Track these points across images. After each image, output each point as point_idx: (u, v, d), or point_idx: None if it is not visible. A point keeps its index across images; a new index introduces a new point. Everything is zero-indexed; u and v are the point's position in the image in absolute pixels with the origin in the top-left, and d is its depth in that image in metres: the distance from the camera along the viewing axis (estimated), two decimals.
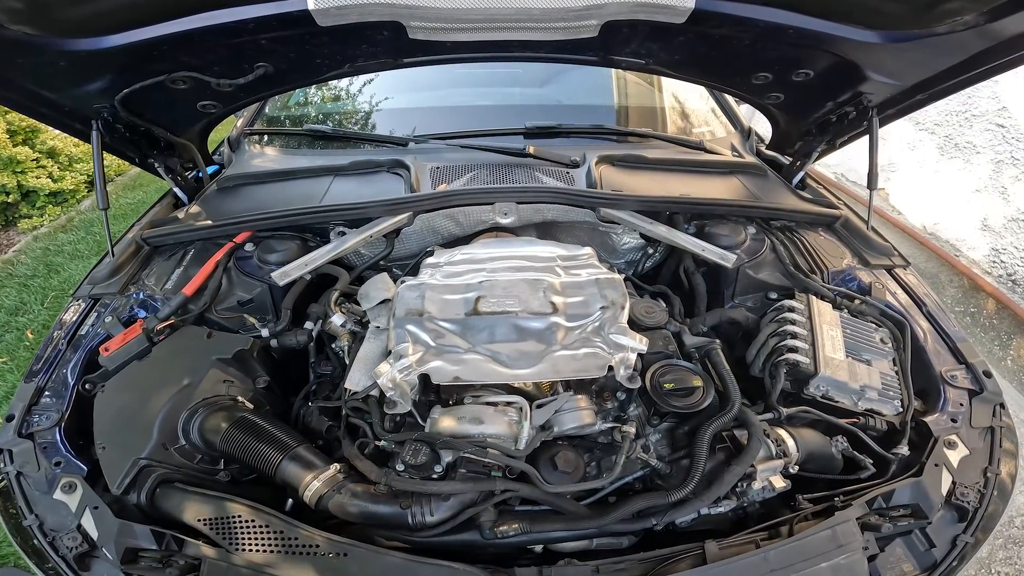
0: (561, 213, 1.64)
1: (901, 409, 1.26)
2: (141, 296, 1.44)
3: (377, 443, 1.14)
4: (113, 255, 1.52)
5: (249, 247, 1.56)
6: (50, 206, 4.47)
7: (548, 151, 1.79)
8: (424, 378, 1.11)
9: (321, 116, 2.33)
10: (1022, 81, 3.13)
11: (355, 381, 1.15)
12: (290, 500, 1.17)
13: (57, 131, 4.79)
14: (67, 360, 1.29)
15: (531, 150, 1.77)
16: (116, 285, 1.46)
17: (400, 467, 1.07)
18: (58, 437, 1.14)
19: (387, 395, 1.10)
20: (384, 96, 2.27)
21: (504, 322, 1.19)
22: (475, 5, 1.20)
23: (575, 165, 1.77)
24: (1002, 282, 3.36)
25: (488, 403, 1.15)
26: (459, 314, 1.21)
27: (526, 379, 1.12)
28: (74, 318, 1.40)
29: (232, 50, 1.33)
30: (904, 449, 1.19)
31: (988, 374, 1.30)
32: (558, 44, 1.38)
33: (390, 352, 1.15)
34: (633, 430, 1.15)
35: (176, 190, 1.85)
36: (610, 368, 1.13)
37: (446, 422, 1.12)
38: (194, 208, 1.73)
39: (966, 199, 3.58)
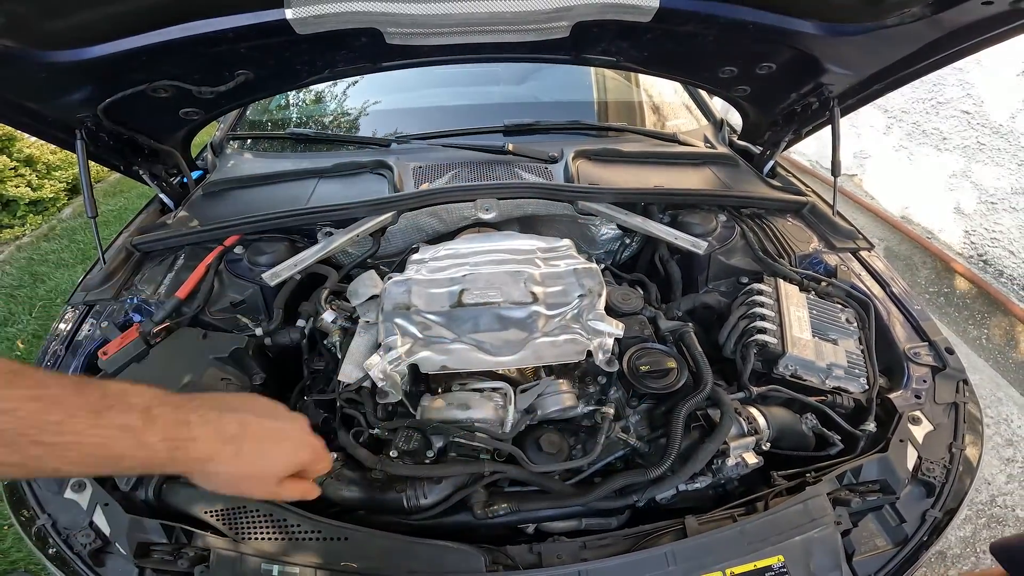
0: (541, 207, 1.69)
1: (867, 386, 1.28)
2: (135, 301, 1.46)
3: (371, 432, 1.19)
4: (104, 262, 1.55)
5: (239, 250, 1.59)
6: (31, 215, 4.44)
7: (527, 148, 1.84)
8: (413, 368, 1.16)
9: (303, 119, 2.36)
10: (986, 68, 3.23)
11: (348, 374, 1.19)
12: None
13: (33, 139, 4.78)
14: (67, 365, 1.31)
15: (511, 147, 1.81)
16: (110, 291, 1.48)
17: (394, 453, 1.12)
18: None
19: (379, 386, 1.15)
20: (365, 98, 2.30)
21: (487, 312, 1.24)
22: (449, 11, 1.24)
23: (553, 160, 1.82)
24: (973, 263, 3.47)
25: (474, 390, 1.20)
26: (444, 306, 1.26)
27: (509, 365, 1.17)
28: (70, 325, 1.42)
29: (212, 59, 1.35)
30: (871, 425, 1.21)
31: (951, 351, 1.32)
32: (531, 45, 1.42)
33: (380, 345, 1.20)
34: (612, 411, 1.20)
35: (162, 196, 1.87)
36: (589, 353, 1.18)
37: (435, 409, 1.17)
38: (182, 213, 1.75)
39: (936, 183, 3.68)
